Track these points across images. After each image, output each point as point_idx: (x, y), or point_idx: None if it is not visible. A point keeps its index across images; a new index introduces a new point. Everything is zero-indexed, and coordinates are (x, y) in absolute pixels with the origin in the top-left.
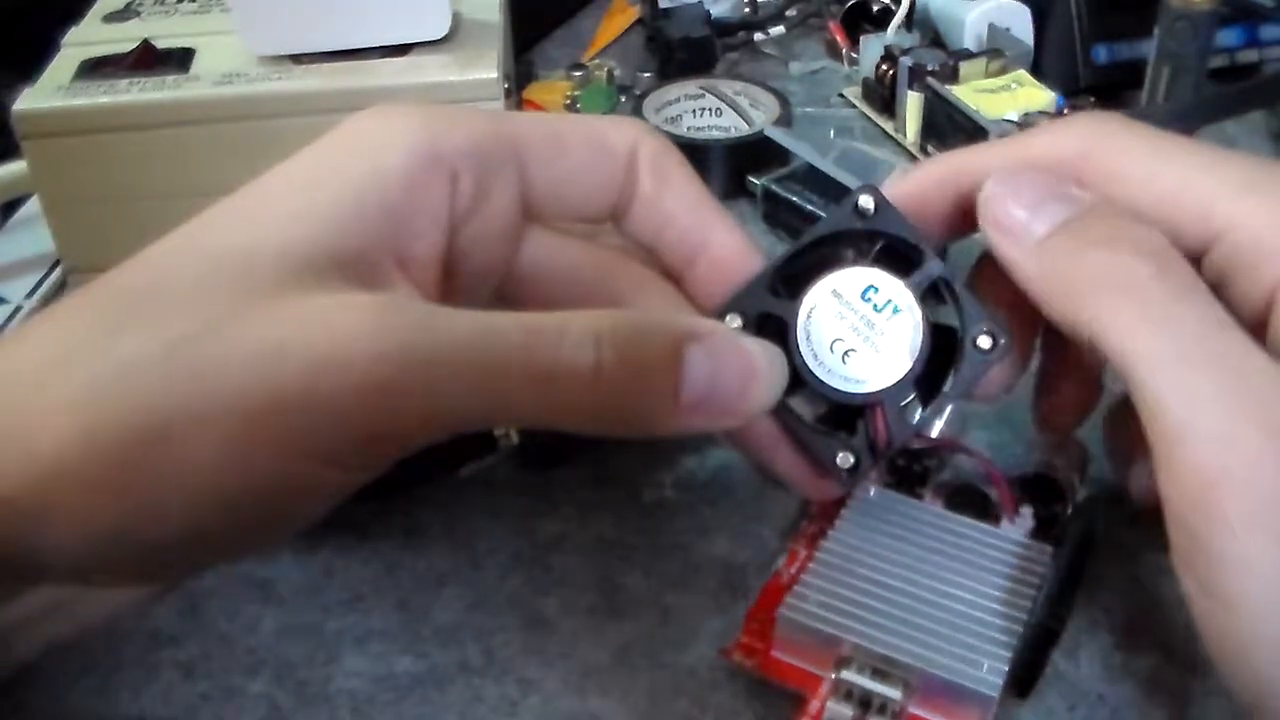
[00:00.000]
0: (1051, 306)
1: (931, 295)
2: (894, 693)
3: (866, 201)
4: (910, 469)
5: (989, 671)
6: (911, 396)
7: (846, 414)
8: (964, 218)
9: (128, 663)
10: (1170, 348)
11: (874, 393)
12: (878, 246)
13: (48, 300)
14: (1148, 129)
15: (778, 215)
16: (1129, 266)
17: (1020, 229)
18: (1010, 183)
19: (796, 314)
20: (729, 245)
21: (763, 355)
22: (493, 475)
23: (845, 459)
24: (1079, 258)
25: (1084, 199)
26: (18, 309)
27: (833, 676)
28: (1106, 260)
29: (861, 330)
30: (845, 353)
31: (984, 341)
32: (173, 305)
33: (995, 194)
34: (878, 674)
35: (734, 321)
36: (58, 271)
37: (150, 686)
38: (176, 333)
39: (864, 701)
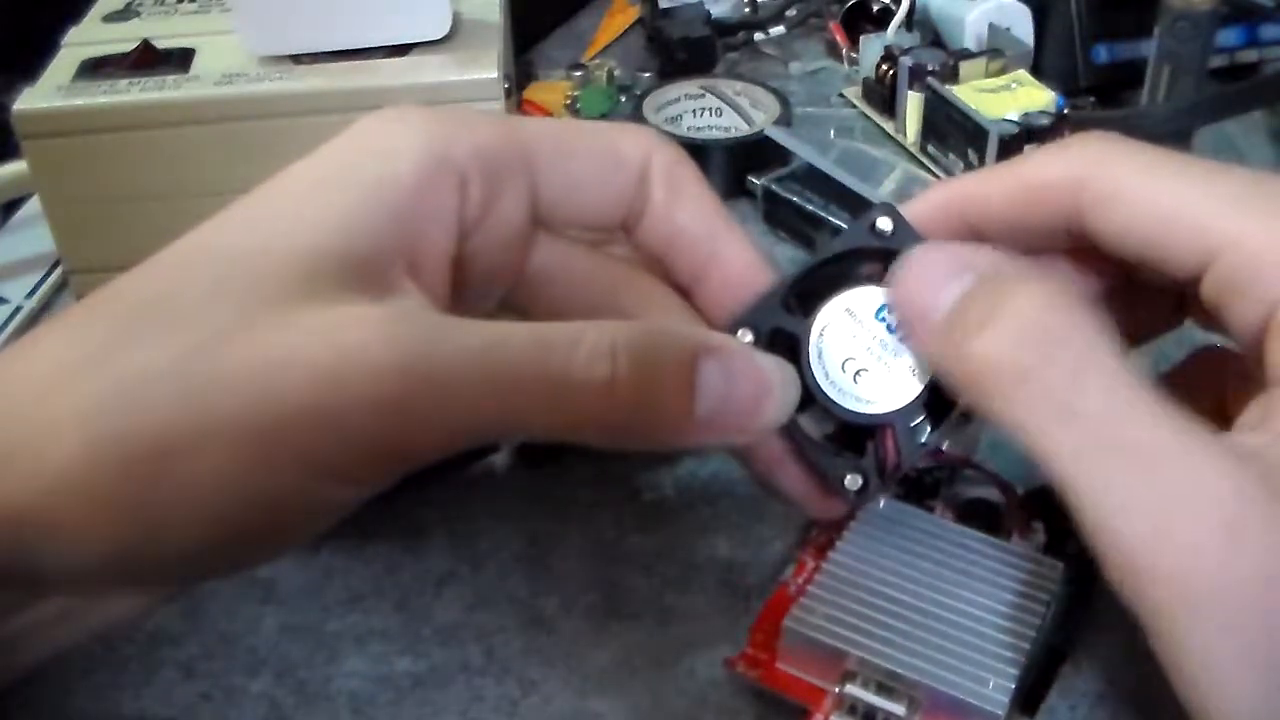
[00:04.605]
0: (951, 385)
1: None
2: (899, 708)
3: (884, 222)
4: (921, 481)
5: (995, 689)
6: (922, 418)
7: (855, 433)
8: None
9: (128, 663)
10: (1074, 442)
11: (885, 414)
12: (893, 265)
13: (48, 300)
14: (1146, 148)
15: (778, 215)
16: (1013, 354)
17: (922, 318)
18: (913, 265)
19: (809, 331)
20: (740, 259)
21: (776, 372)
22: (492, 475)
23: (854, 480)
24: (965, 348)
25: (978, 266)
26: (18, 309)
27: (837, 690)
28: (988, 348)
29: (874, 350)
30: (857, 372)
31: None
32: (181, 316)
33: (900, 280)
34: (883, 689)
35: (746, 336)
36: (58, 271)
37: (150, 686)
38: (184, 345)
39: (868, 716)
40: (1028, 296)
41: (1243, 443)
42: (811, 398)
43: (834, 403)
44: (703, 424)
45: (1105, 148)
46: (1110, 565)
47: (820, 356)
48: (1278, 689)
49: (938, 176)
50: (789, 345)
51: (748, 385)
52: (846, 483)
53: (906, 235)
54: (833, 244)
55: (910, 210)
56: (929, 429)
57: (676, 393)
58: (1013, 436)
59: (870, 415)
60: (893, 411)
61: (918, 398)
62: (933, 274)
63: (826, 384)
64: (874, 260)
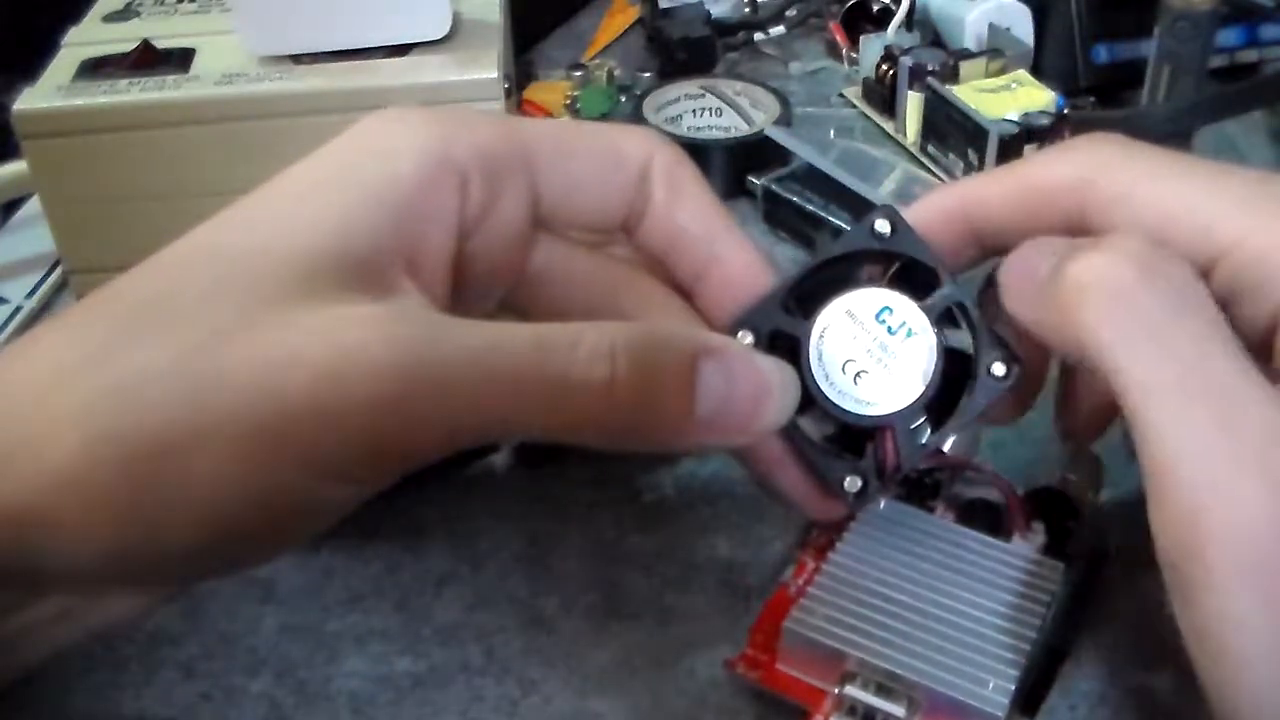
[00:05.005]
0: (1046, 333)
1: (946, 319)
2: (898, 709)
3: (883, 223)
4: (922, 481)
5: (995, 690)
6: (922, 420)
7: (855, 435)
8: (971, 248)
9: (128, 663)
10: (1165, 373)
11: (885, 415)
12: (894, 268)
13: (48, 300)
14: (1150, 149)
15: (778, 215)
16: (1113, 270)
17: (1023, 281)
18: (1023, 246)
19: (809, 333)
20: (741, 261)
21: (776, 373)
22: (492, 475)
23: (853, 482)
24: (1062, 271)
25: (1083, 240)
26: (18, 309)
27: (836, 691)
28: (1087, 266)
29: (874, 352)
30: (857, 374)
31: (998, 369)
32: (181, 316)
33: (1008, 261)
34: (882, 690)
35: (746, 338)
36: (58, 271)
37: (150, 686)
38: (184, 344)
39: (868, 717)
40: (1133, 236)
41: None
42: (811, 399)
43: (834, 404)
44: (702, 425)
45: (1111, 149)
46: (1161, 504)
47: (820, 358)
48: None
49: (938, 176)
50: (789, 347)
51: (748, 387)
52: (846, 485)
53: (907, 238)
54: (833, 246)
55: (913, 213)
56: (929, 431)
57: (676, 394)
58: (1093, 356)
59: (870, 417)
60: (893, 413)
61: (918, 400)
62: (1039, 248)
63: (827, 385)
64: (875, 262)
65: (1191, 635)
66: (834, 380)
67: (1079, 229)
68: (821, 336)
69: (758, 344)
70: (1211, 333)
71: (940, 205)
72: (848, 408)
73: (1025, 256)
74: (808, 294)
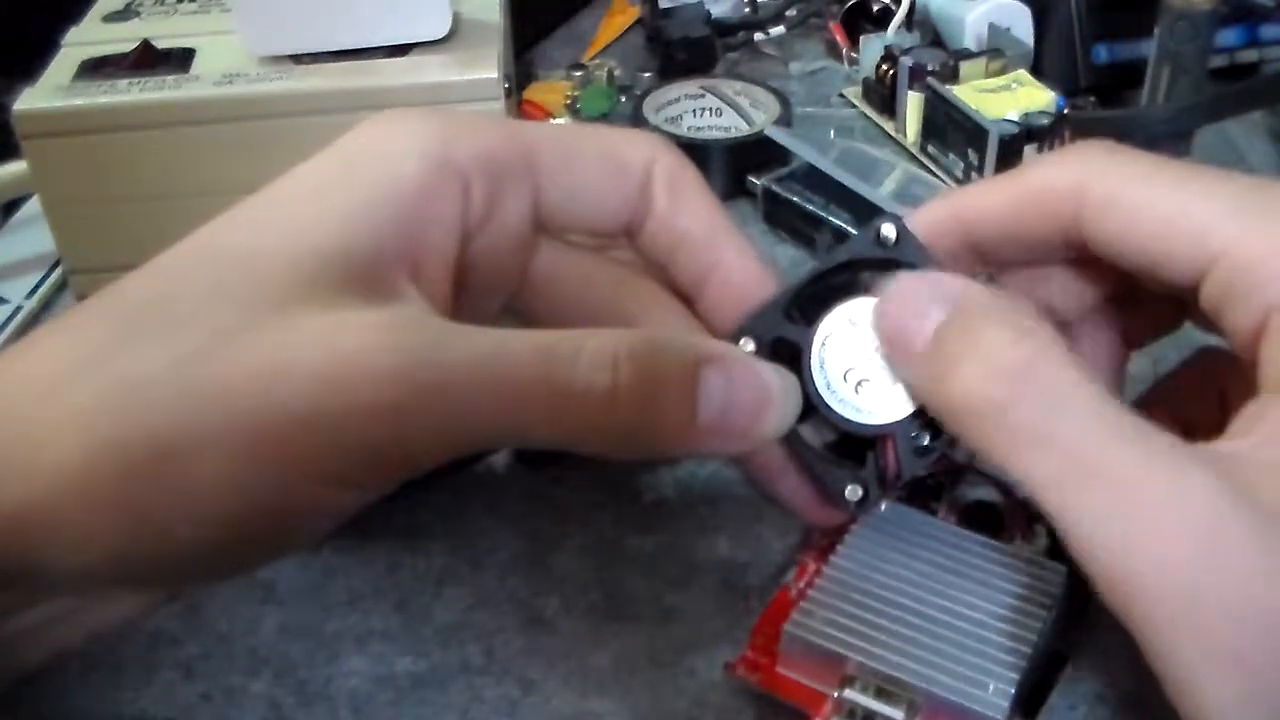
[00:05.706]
0: (929, 408)
1: None
2: (898, 713)
3: (888, 230)
4: (924, 484)
5: (995, 694)
6: (922, 428)
7: (856, 443)
8: (968, 256)
9: (128, 663)
10: (1049, 470)
11: (886, 424)
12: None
13: (48, 300)
14: (1144, 155)
15: (778, 215)
16: (983, 389)
17: (904, 350)
18: (894, 296)
19: (811, 340)
20: (743, 266)
21: (777, 381)
22: (493, 475)
23: (854, 490)
24: (943, 385)
25: (954, 295)
26: (18, 309)
27: (836, 695)
28: (963, 386)
29: (876, 360)
30: (859, 382)
31: None
32: (181, 318)
33: (882, 311)
34: (882, 693)
35: (747, 345)
36: (58, 271)
37: (150, 686)
38: (184, 346)
39: None
40: (996, 332)
41: (1228, 450)
42: (813, 407)
43: (835, 412)
44: (704, 432)
45: (1104, 155)
46: (1095, 582)
47: (822, 366)
48: (1263, 691)
49: (938, 177)
50: (791, 354)
51: (749, 394)
52: (847, 493)
53: (910, 245)
54: (836, 253)
55: (913, 221)
56: (929, 439)
57: (678, 401)
58: (984, 459)
59: (871, 425)
60: (893, 422)
61: (918, 408)
62: (912, 305)
63: (828, 393)
64: (878, 270)
65: (1164, 684)
66: (835, 388)
67: (1074, 236)
68: (823, 344)
69: (759, 351)
70: (1086, 413)
71: (937, 215)
72: (849, 416)
73: (897, 314)
74: (810, 301)
